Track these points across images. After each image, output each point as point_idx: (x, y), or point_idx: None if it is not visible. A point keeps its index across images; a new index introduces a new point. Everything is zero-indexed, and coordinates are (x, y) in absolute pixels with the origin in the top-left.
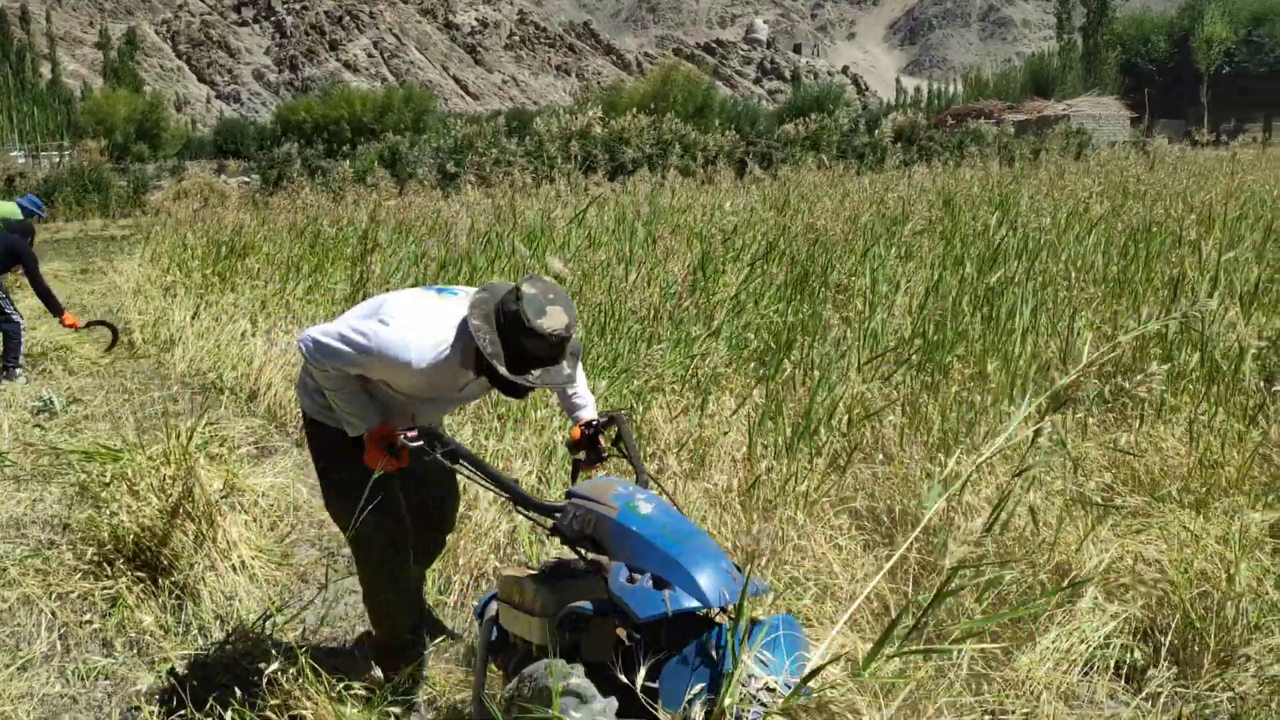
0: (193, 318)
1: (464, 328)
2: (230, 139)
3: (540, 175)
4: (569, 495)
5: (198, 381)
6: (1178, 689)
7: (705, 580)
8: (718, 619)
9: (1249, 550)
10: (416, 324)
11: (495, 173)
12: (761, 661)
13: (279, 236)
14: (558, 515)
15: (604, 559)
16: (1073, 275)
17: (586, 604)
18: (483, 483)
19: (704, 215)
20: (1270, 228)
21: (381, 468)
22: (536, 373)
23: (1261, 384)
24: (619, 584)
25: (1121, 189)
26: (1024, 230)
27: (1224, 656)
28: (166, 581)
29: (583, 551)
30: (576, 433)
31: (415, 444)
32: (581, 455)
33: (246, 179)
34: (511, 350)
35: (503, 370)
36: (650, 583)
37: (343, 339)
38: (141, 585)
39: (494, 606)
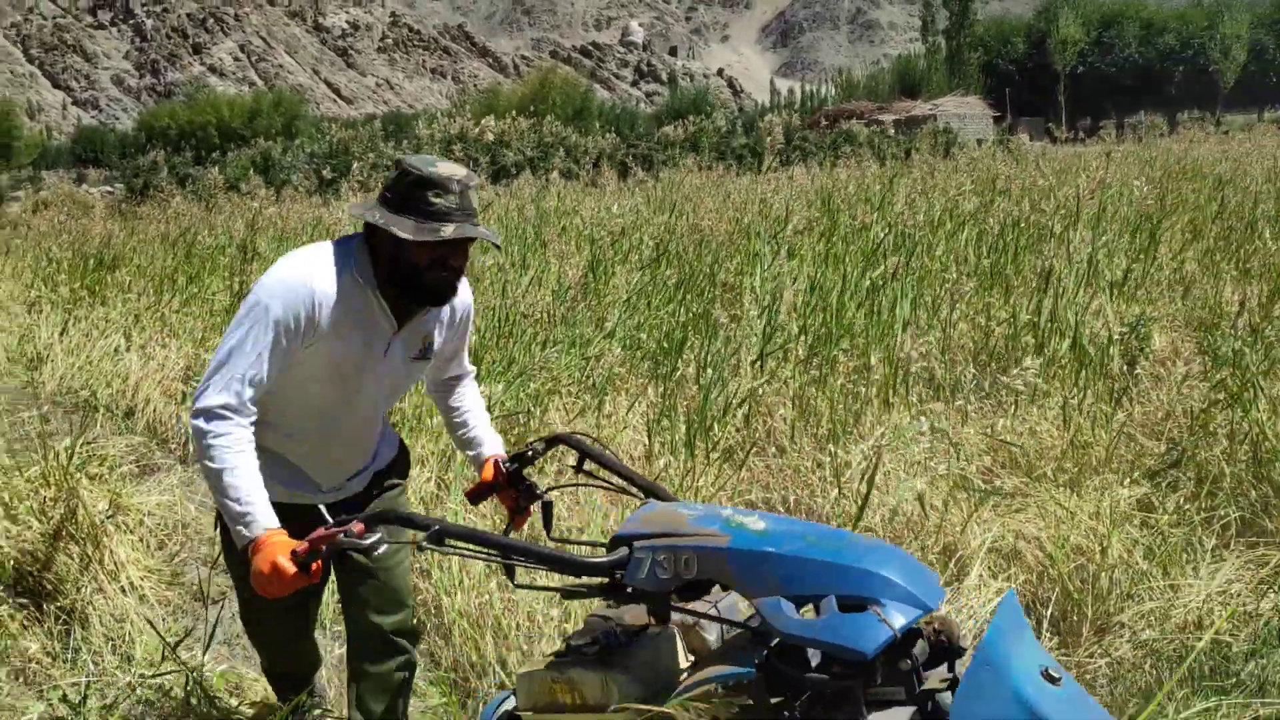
0: (62, 333)
1: (352, 240)
2: (90, 147)
3: None
4: (618, 541)
5: (70, 400)
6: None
7: (912, 581)
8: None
9: (1119, 524)
10: (297, 254)
11: (375, 178)
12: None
13: (151, 247)
14: (620, 572)
15: (689, 610)
16: (948, 269)
17: (731, 669)
18: (491, 559)
19: (591, 217)
20: (1128, 221)
21: (278, 593)
22: (449, 228)
23: (1124, 368)
24: (796, 621)
25: (991, 185)
26: (900, 227)
27: (1100, 624)
28: (52, 607)
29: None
30: (489, 472)
31: (367, 542)
32: (495, 498)
33: (110, 189)
34: (409, 215)
35: (403, 234)
36: (835, 607)
37: (233, 335)
38: (24, 612)
39: None
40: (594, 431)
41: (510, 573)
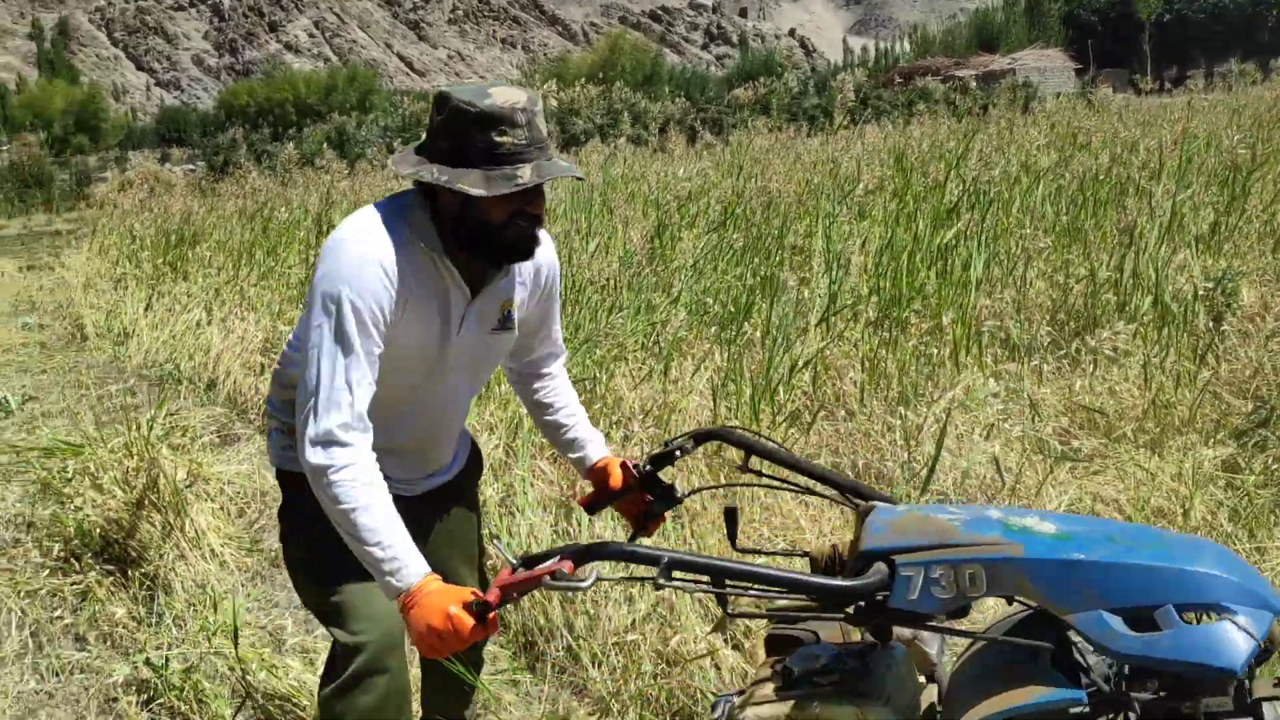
0: (146, 309)
1: (403, 199)
2: (173, 127)
3: None
4: (872, 556)
5: (155, 373)
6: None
7: (1251, 580)
8: None
9: (1202, 486)
10: (348, 232)
11: None
12: None
13: (229, 223)
14: (884, 594)
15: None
16: (1024, 226)
17: (1054, 694)
18: (725, 590)
19: (658, 183)
20: (1215, 173)
21: (452, 650)
22: (525, 171)
23: (1210, 324)
24: (1134, 639)
25: (1071, 139)
26: (975, 184)
27: None
28: (136, 573)
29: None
30: (618, 476)
31: (586, 583)
32: (628, 502)
33: (192, 167)
34: (472, 164)
35: (474, 190)
36: (1177, 619)
37: (316, 345)
38: (111, 578)
39: None
40: (660, 397)
41: (723, 600)
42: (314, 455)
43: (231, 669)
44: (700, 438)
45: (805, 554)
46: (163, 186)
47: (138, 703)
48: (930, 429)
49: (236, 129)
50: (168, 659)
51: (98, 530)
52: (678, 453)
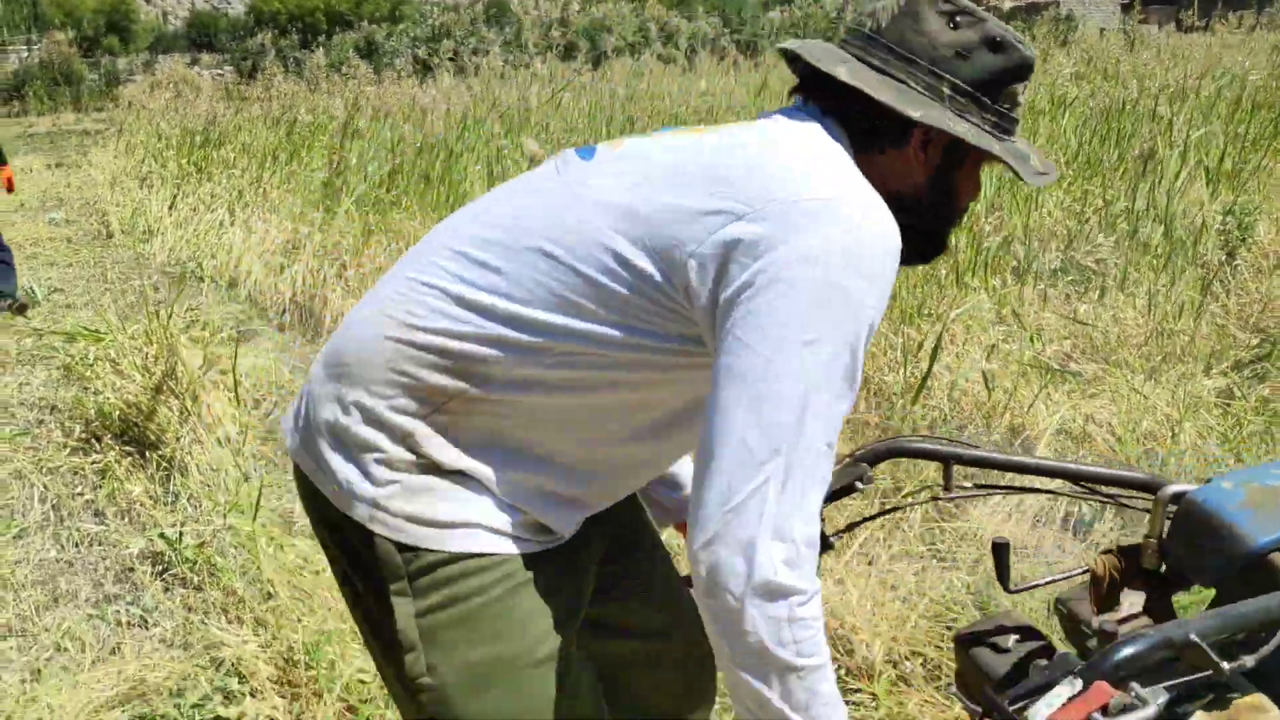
0: (170, 208)
1: (822, 129)
2: (203, 31)
3: (518, 63)
4: (1261, 552)
5: (177, 270)
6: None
7: None
8: None
9: (1194, 410)
10: (849, 189)
11: (473, 61)
12: None
13: (254, 126)
14: None
15: None
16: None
17: None
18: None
19: (681, 99)
20: (1246, 108)
21: None
22: (1025, 149)
23: (1224, 257)
24: None
25: (1102, 72)
26: None
27: None
28: (154, 455)
29: None
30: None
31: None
32: None
33: (220, 72)
34: (977, 116)
35: (1026, 176)
36: None
37: (803, 367)
38: (129, 459)
39: None
40: None
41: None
42: (771, 567)
43: (243, 545)
44: (876, 458)
45: (1086, 570)
46: (190, 89)
47: (152, 573)
48: (930, 347)
49: (266, 35)
50: (182, 534)
51: (117, 413)
52: (858, 485)
